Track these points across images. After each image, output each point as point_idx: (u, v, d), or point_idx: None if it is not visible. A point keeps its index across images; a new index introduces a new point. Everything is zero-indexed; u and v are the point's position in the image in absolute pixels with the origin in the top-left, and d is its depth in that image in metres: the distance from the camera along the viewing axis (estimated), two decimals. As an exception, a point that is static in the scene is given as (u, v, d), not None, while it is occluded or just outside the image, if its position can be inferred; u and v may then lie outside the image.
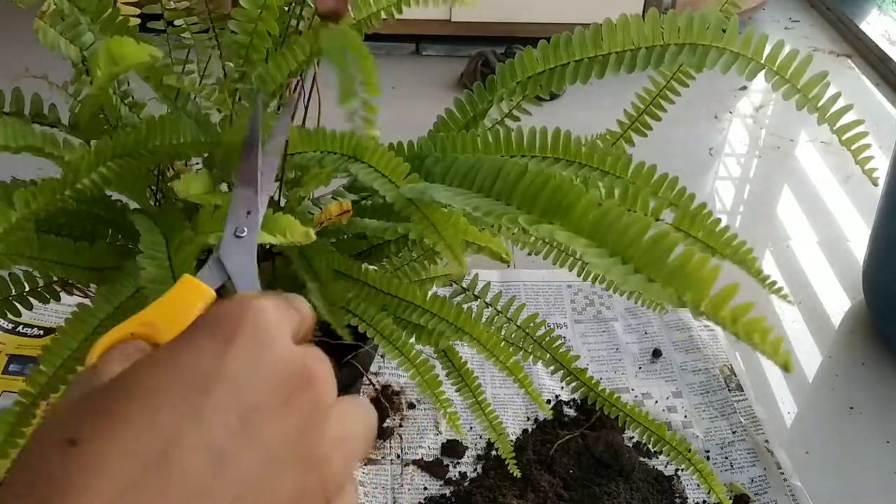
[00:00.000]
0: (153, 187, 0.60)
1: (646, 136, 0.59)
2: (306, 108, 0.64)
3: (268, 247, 0.56)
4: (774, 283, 0.51)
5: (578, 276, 0.69)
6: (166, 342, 0.29)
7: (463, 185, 0.39)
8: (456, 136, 0.46)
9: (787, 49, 0.41)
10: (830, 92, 0.41)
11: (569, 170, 0.44)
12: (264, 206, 0.40)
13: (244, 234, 0.39)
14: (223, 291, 0.37)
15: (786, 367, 0.27)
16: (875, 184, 0.43)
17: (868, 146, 0.42)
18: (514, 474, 0.67)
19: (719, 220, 0.48)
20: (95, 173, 0.44)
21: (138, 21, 0.53)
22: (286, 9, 0.53)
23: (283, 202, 0.60)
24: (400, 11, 0.52)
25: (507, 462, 0.66)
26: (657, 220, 0.42)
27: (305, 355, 0.29)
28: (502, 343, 0.58)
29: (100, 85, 0.41)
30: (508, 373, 0.57)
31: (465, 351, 0.64)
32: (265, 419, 0.27)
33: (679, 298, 0.27)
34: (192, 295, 0.34)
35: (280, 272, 0.57)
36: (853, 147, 0.41)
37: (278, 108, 0.62)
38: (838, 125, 0.41)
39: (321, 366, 0.30)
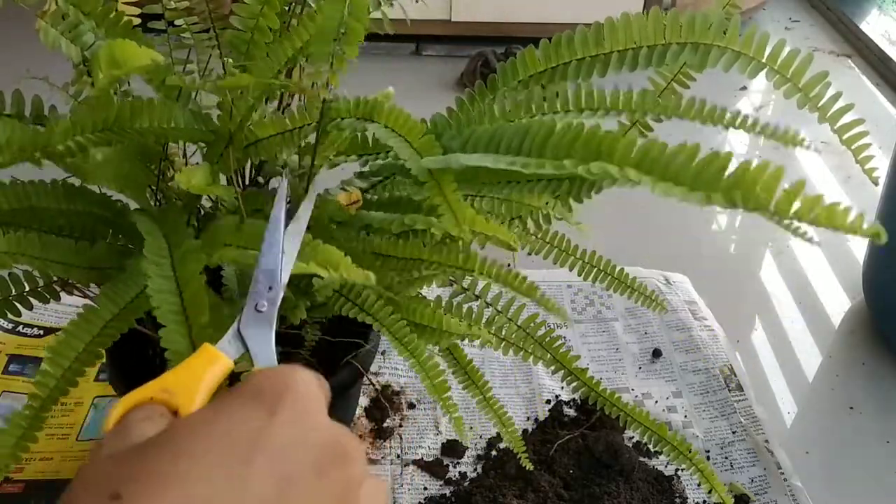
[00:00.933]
0: (153, 187, 0.60)
1: (646, 137, 0.59)
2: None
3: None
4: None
5: (579, 275, 0.69)
6: (208, 405, 0.31)
7: (486, 153, 0.39)
8: (471, 108, 0.46)
9: (787, 48, 0.41)
10: (831, 92, 0.41)
11: (594, 117, 0.43)
12: (284, 283, 0.41)
13: (265, 308, 0.39)
14: (239, 364, 0.38)
15: (878, 235, 0.27)
16: (875, 183, 0.43)
17: (868, 146, 0.42)
18: (528, 468, 0.67)
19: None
20: (72, 141, 0.43)
21: (139, 21, 0.53)
22: (286, 8, 0.54)
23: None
24: (391, 4, 0.52)
25: (518, 456, 0.66)
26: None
27: (341, 432, 0.30)
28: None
29: (101, 88, 0.41)
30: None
31: (470, 350, 0.65)
32: (301, 492, 0.27)
33: (745, 203, 0.27)
34: (210, 364, 0.35)
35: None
36: (853, 147, 0.41)
37: (279, 106, 0.62)
38: (839, 125, 0.41)
39: (355, 443, 0.31)
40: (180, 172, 0.46)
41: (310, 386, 0.31)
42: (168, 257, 0.47)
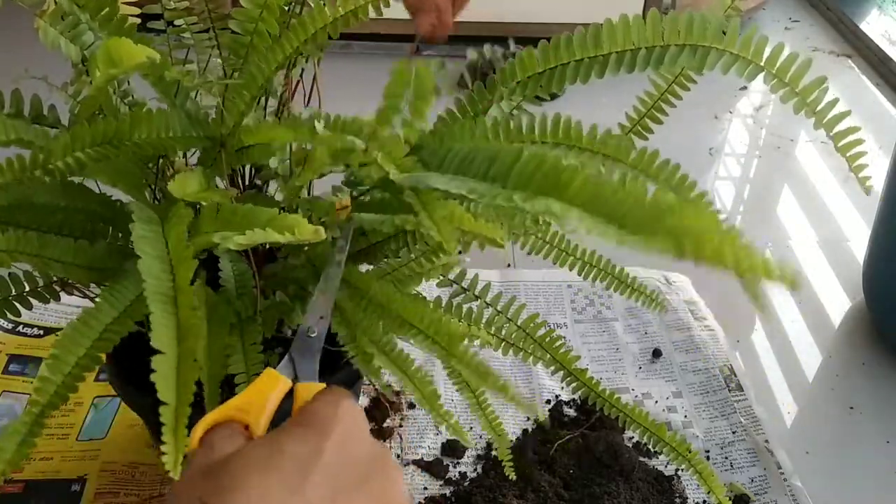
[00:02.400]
0: (152, 186, 0.60)
1: (647, 138, 0.59)
2: (307, 107, 0.64)
3: (266, 247, 0.56)
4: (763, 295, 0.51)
5: (579, 275, 0.69)
6: (274, 430, 0.37)
7: (459, 173, 0.40)
8: (454, 127, 0.46)
9: (787, 51, 0.41)
10: (829, 96, 0.41)
11: (569, 155, 0.44)
12: (331, 314, 0.48)
13: (314, 335, 0.46)
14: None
15: (794, 285, 0.27)
16: (867, 193, 0.43)
17: (864, 153, 0.42)
18: (510, 477, 0.67)
19: (718, 211, 0.47)
20: (71, 157, 0.43)
21: (138, 21, 0.53)
22: (286, 8, 0.53)
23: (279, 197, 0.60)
24: (388, 5, 0.52)
25: (503, 464, 0.66)
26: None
27: (382, 451, 0.38)
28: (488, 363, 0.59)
29: (98, 86, 0.41)
30: (501, 392, 0.58)
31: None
32: (350, 498, 0.34)
33: (680, 250, 0.27)
34: (273, 386, 0.42)
35: (284, 274, 0.57)
36: (849, 154, 0.41)
37: (279, 107, 0.62)
38: (835, 130, 0.41)
39: (392, 461, 0.38)
40: (173, 181, 0.45)
41: (353, 412, 0.38)
42: (158, 220, 0.47)
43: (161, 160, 0.58)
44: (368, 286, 0.52)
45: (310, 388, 0.43)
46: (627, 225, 0.29)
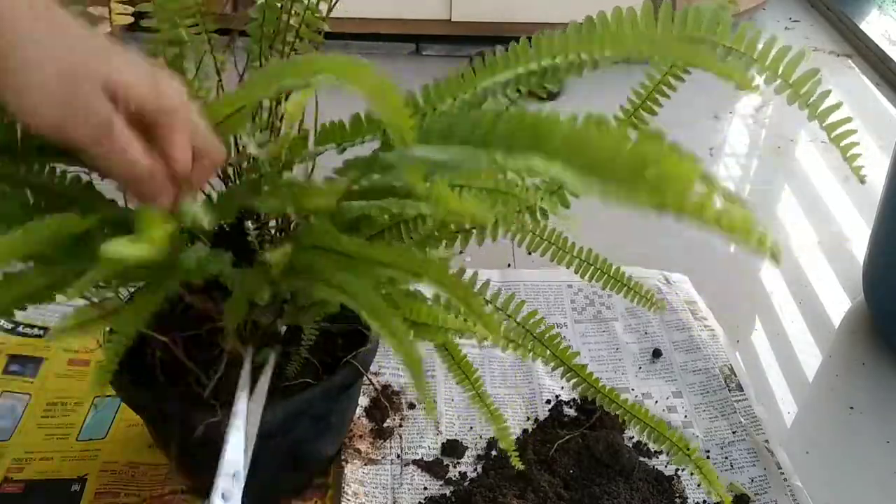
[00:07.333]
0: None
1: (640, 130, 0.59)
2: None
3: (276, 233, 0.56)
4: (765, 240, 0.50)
5: (576, 273, 0.69)
6: None
7: (441, 143, 0.39)
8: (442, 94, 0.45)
9: (780, 45, 0.41)
10: (825, 89, 0.41)
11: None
12: (247, 466, 0.44)
13: (231, 496, 0.43)
14: None
15: (774, 258, 0.27)
16: (862, 181, 0.43)
17: (857, 144, 0.42)
18: (517, 467, 0.66)
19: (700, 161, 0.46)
20: None
21: (131, 20, 0.53)
22: (280, 6, 0.53)
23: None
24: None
25: (509, 455, 0.66)
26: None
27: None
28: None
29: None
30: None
31: (471, 350, 0.64)
32: None
33: (661, 202, 0.26)
34: None
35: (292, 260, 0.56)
36: (842, 144, 0.41)
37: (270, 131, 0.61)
38: (828, 122, 0.41)
39: None
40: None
41: None
42: None
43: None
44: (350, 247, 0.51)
45: None
46: (609, 176, 0.28)
